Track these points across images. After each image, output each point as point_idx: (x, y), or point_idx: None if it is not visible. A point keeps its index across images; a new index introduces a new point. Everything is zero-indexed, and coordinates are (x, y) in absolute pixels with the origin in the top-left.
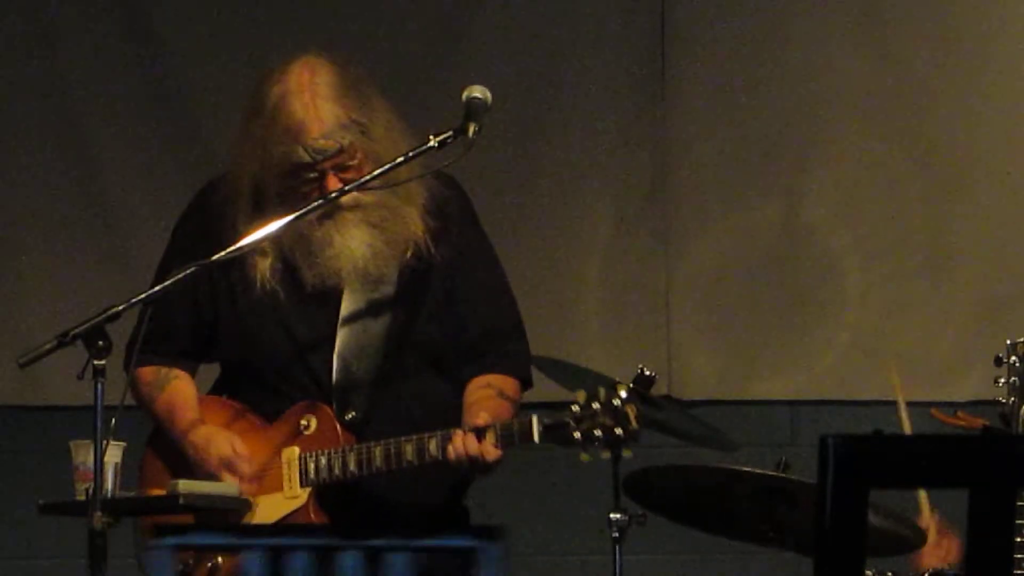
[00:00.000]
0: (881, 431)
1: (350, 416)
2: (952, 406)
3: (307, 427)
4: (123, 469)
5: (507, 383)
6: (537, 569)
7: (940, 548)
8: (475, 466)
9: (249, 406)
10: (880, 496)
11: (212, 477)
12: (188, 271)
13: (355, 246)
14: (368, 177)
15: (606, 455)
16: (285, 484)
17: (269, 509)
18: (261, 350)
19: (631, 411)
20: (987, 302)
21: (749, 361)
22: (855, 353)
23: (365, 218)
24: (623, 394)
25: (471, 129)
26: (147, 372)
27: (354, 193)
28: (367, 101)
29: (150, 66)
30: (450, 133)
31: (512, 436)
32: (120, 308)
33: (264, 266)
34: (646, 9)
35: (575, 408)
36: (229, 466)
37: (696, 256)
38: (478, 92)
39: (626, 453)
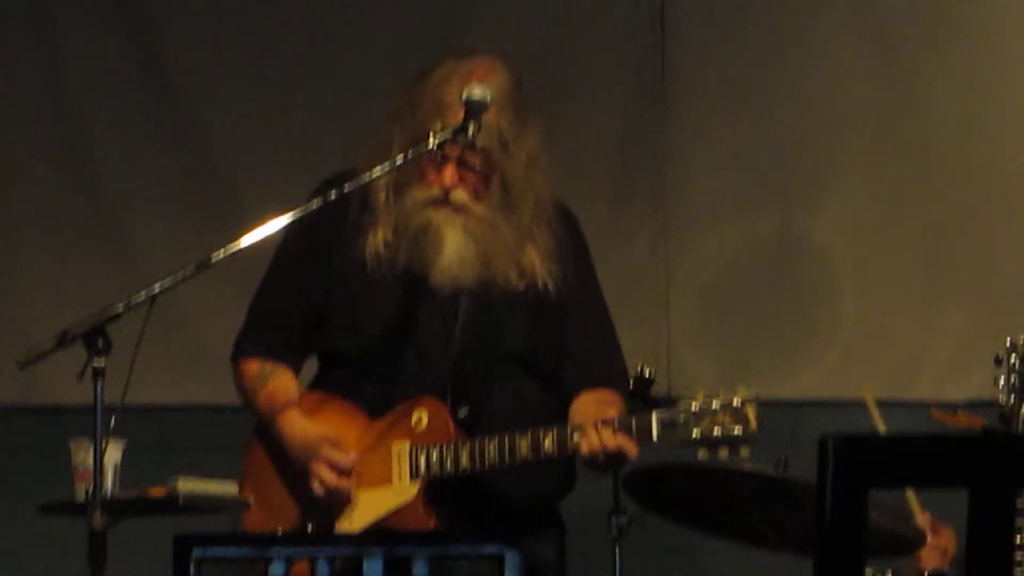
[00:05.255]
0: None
1: (463, 413)
2: (952, 406)
3: (419, 422)
4: (123, 469)
5: (615, 398)
6: None
7: (938, 547)
8: (610, 460)
9: (353, 400)
10: (880, 496)
11: (307, 472)
12: (188, 270)
13: (447, 243)
14: (367, 176)
15: (724, 454)
16: (395, 478)
17: (376, 503)
18: (374, 339)
19: (751, 411)
20: (987, 302)
21: (749, 361)
22: (855, 353)
23: (465, 224)
24: (744, 394)
25: (471, 129)
26: (251, 365)
27: (464, 197)
28: (523, 124)
29: (151, 65)
30: (450, 133)
31: (631, 432)
32: (120, 308)
33: (375, 243)
34: (646, 9)
35: (694, 406)
36: (328, 460)
37: (696, 256)
38: (477, 92)
39: (744, 452)
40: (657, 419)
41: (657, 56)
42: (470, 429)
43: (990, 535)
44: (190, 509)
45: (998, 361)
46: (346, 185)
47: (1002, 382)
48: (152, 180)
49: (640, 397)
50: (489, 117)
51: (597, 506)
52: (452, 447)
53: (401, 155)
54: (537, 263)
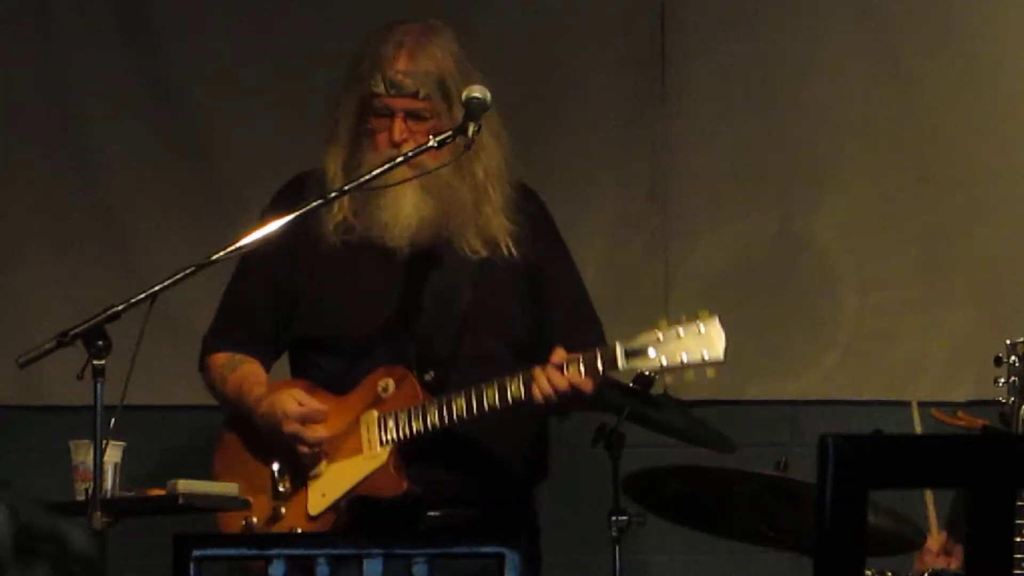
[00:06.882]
0: (881, 431)
1: (429, 376)
2: (952, 406)
3: (385, 390)
4: (123, 469)
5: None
6: None
7: (945, 561)
8: (566, 399)
9: (324, 385)
10: (880, 496)
11: (289, 444)
12: (188, 270)
13: (403, 204)
14: (368, 177)
15: (689, 377)
16: (365, 446)
17: (349, 472)
18: (339, 317)
19: (715, 333)
20: (987, 303)
21: (749, 361)
22: (855, 353)
23: (422, 183)
24: (706, 317)
25: (471, 129)
26: (219, 357)
27: (420, 156)
28: (467, 80)
29: (151, 64)
30: (450, 133)
31: (596, 363)
32: (120, 308)
33: (332, 224)
34: (646, 9)
35: (658, 334)
36: (302, 419)
37: (696, 256)
38: (477, 92)
39: (710, 373)
40: (621, 348)
41: (657, 55)
42: (437, 392)
43: (990, 535)
44: (190, 509)
45: (998, 361)
46: (346, 186)
47: (1002, 382)
48: (152, 180)
49: (640, 396)
50: (429, 65)
51: (597, 506)
52: (420, 408)
53: (402, 156)
54: (495, 224)
